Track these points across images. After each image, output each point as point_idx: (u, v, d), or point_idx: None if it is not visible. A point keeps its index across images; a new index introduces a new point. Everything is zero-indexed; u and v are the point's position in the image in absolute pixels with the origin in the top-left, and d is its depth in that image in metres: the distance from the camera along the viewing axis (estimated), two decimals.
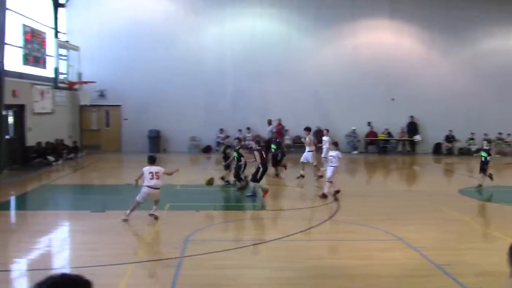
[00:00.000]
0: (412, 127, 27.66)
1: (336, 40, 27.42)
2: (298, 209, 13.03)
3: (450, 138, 27.45)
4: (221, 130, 26.12)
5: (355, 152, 27.22)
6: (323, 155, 19.23)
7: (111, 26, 25.99)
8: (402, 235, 9.94)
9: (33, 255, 8.95)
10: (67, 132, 24.78)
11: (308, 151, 17.13)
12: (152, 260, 8.60)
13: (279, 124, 24.01)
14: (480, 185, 15.94)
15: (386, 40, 27.48)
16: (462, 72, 27.76)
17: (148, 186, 10.93)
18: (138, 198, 11.01)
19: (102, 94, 26.33)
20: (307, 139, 17.42)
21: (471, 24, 27.55)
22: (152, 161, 11.29)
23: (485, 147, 16.62)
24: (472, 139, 27.15)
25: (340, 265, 8.19)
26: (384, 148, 27.81)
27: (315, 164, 17.21)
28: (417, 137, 27.63)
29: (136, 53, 26.16)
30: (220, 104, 26.69)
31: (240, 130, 25.88)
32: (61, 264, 8.62)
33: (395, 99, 27.37)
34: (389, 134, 27.68)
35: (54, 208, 13.22)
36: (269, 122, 24.11)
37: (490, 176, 15.86)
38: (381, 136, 27.66)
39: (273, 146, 18.31)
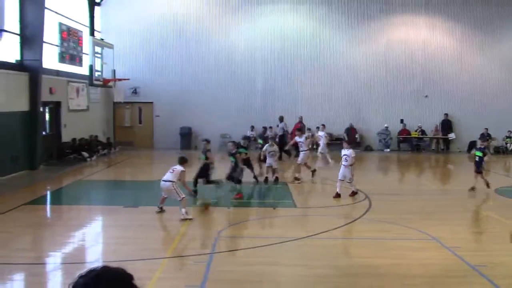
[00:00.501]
0: (447, 125, 27.05)
1: (368, 37, 27.04)
2: (329, 207, 12.94)
3: (485, 136, 26.71)
4: (252, 128, 26.13)
5: (387, 150, 26.83)
6: (320, 151, 19.01)
7: (145, 24, 26.32)
8: (436, 234, 9.73)
9: (68, 249, 9.13)
10: (101, 128, 25.23)
11: (302, 151, 16.90)
12: (184, 256, 8.66)
13: (300, 122, 23.60)
14: (473, 188, 14.56)
15: (420, 36, 26.94)
16: (499, 69, 27.00)
17: (162, 180, 11.31)
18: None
19: (135, 91, 26.71)
20: (302, 140, 17.22)
21: (508, 20, 26.76)
22: (179, 161, 11.54)
23: (479, 146, 15.08)
24: (509, 137, 26.35)
25: (372, 264, 8.07)
26: (417, 146, 27.29)
27: (300, 163, 16.78)
28: (451, 135, 27.02)
29: (169, 51, 26.43)
30: (251, 102, 26.71)
31: (270, 127, 25.80)
32: (95, 258, 8.79)
33: (428, 96, 26.87)
34: (423, 132, 27.16)
35: (88, 203, 13.47)
36: (281, 119, 23.84)
37: (487, 184, 14.48)
38: (414, 134, 27.17)
39: (259, 141, 17.85)
